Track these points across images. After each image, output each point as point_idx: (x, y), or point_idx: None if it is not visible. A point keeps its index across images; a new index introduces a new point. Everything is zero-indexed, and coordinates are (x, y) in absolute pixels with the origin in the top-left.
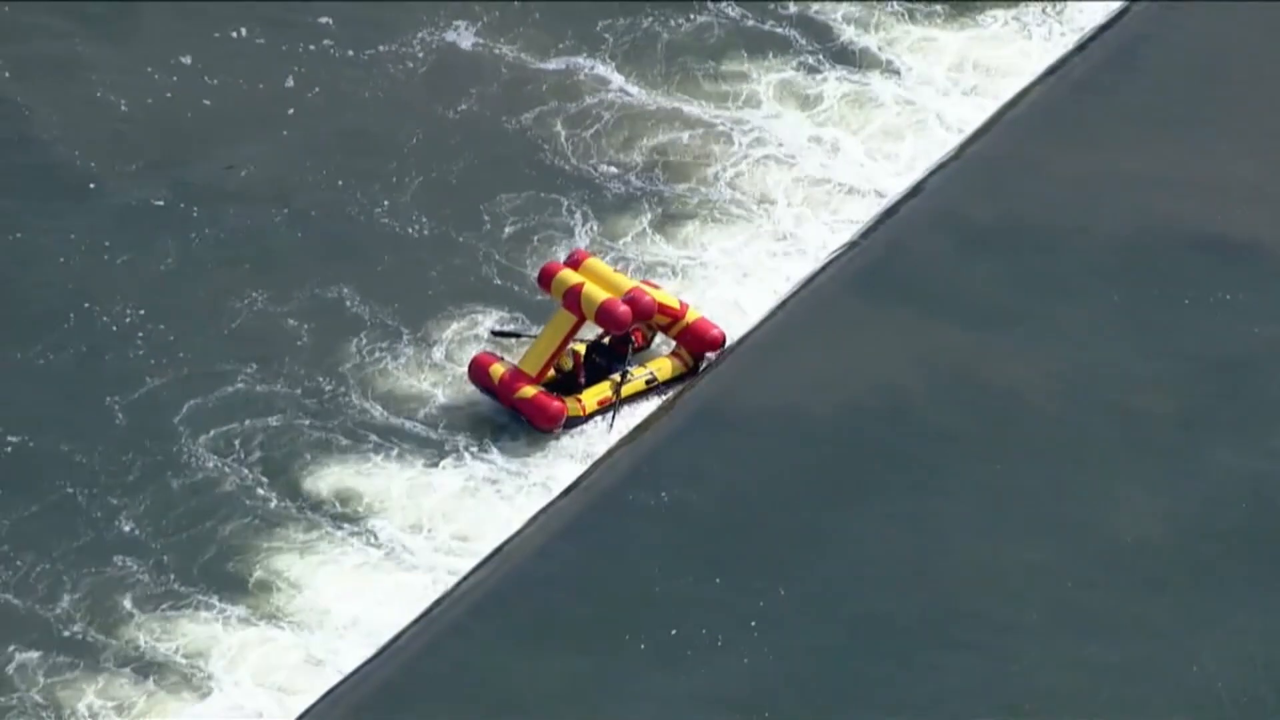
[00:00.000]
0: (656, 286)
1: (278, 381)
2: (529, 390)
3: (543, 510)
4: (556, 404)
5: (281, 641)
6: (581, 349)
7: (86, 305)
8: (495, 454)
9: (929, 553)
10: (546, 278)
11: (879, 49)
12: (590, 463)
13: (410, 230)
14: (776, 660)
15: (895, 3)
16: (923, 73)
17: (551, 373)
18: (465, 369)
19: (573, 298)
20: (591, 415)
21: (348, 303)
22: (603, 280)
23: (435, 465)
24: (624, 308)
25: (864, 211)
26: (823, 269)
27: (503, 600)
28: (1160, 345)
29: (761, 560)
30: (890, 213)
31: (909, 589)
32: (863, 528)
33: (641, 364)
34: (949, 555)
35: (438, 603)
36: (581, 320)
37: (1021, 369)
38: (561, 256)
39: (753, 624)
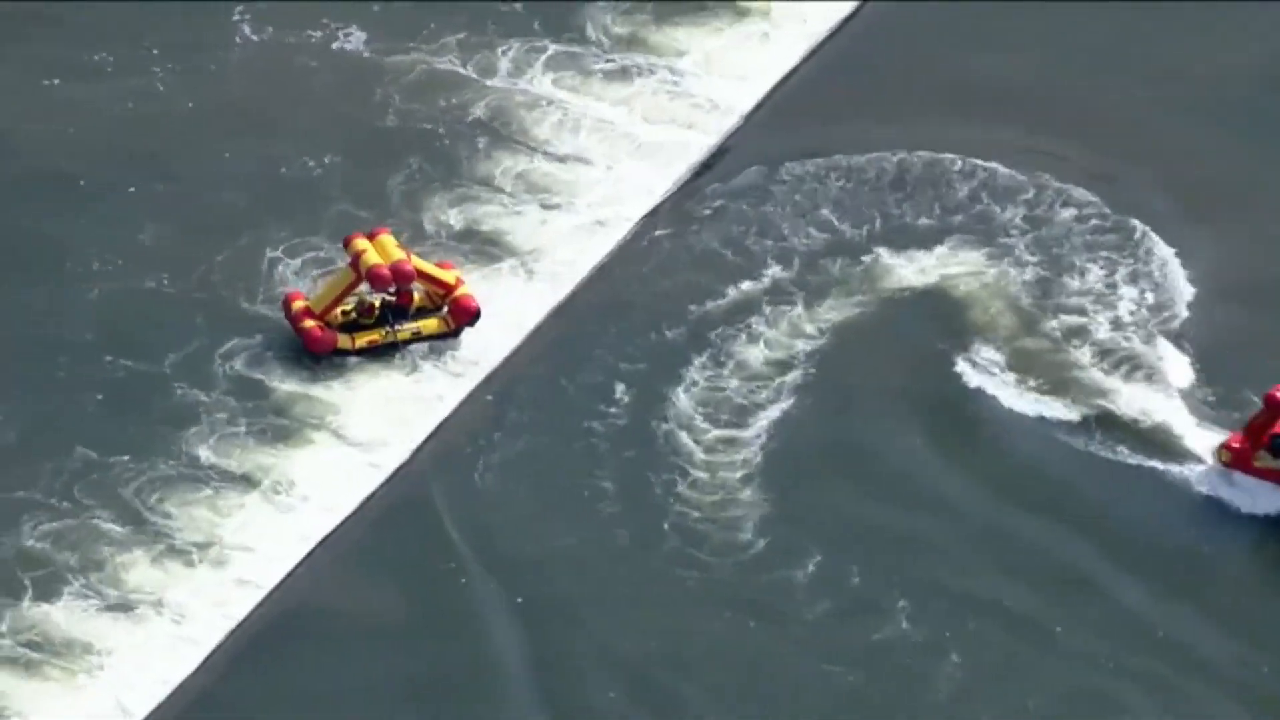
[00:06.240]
0: (451, 267)
1: (197, 294)
2: (309, 323)
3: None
4: (327, 336)
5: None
6: (378, 302)
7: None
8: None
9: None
10: (346, 243)
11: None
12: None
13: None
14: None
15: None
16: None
17: (354, 315)
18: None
19: (355, 259)
20: (360, 350)
21: (234, 230)
22: (383, 251)
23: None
24: (385, 271)
25: (684, 163)
26: (655, 209)
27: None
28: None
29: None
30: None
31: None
32: None
33: (414, 321)
34: None
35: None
36: (359, 277)
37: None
38: (366, 228)
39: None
